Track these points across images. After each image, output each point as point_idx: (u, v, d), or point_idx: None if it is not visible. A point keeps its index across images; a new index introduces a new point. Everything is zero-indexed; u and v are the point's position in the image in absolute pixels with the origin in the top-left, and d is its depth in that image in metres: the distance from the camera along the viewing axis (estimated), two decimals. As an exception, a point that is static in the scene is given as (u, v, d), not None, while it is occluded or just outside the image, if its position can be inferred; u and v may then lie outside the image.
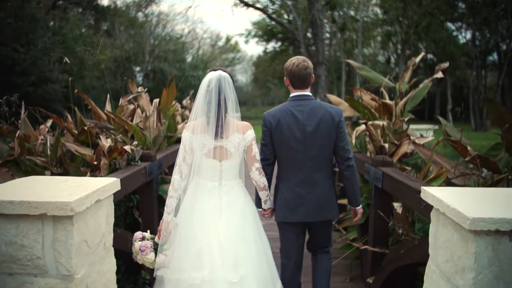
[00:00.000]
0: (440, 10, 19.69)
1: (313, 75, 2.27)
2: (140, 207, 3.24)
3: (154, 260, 2.07)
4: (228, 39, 43.52)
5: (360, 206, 2.38)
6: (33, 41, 19.44)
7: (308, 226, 2.37)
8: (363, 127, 3.34)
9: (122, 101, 4.07)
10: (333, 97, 4.24)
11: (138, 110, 4.00)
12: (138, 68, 32.65)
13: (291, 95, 2.28)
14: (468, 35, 24.15)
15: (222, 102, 2.06)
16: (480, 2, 20.12)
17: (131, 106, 4.03)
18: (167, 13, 32.91)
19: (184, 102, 12.79)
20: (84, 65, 22.81)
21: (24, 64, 18.58)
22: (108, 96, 4.25)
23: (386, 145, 3.24)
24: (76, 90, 3.90)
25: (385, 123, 3.33)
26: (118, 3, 29.29)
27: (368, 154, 3.89)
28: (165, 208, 2.11)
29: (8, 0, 19.06)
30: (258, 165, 2.15)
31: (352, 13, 23.57)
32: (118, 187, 1.92)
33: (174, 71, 32.62)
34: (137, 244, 2.11)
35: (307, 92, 2.26)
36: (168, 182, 3.52)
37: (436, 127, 10.50)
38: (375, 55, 28.99)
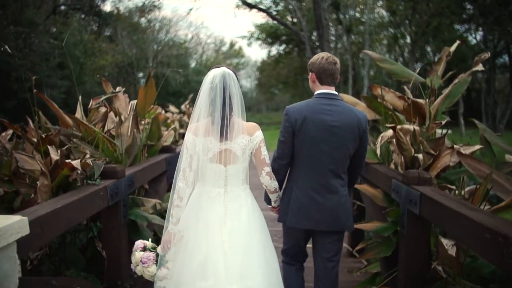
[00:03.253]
0: (450, 10, 18.88)
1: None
2: (104, 237, 2.53)
3: (155, 274, 1.91)
4: (232, 44, 43.16)
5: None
6: (31, 46, 19.04)
7: (317, 237, 2.17)
8: (389, 133, 2.61)
9: (92, 103, 3.38)
10: (346, 97, 3.51)
11: (111, 114, 3.31)
12: (141, 74, 32.39)
13: (317, 92, 2.10)
14: (478, 37, 23.30)
15: (227, 99, 1.88)
16: (492, 2, 19.33)
17: (103, 109, 3.35)
18: (170, 18, 32.55)
19: (182, 107, 12.19)
20: (84, 70, 22.45)
21: (22, 69, 18.17)
22: (80, 98, 3.59)
23: (420, 156, 2.50)
24: (35, 90, 3.23)
25: (417, 127, 2.60)
26: (121, 9, 29.01)
27: (392, 166, 3.15)
28: (170, 218, 1.92)
29: (8, 5, 18.73)
30: (268, 169, 1.98)
31: (357, 15, 22.91)
32: (25, 231, 1.21)
33: (177, 77, 32.18)
34: (138, 254, 1.93)
35: (335, 91, 2.11)
36: (140, 204, 2.81)
37: (449, 131, 9.68)
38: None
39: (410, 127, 2.59)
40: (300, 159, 2.08)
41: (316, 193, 2.05)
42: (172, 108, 11.48)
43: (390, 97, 3.09)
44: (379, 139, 2.61)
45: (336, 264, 2.20)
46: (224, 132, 1.89)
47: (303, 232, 2.17)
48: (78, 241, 2.62)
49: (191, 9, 28.21)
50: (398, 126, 2.50)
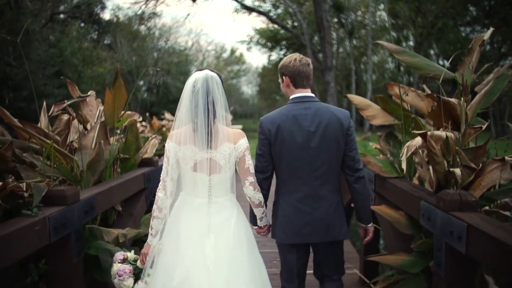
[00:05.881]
0: (455, 10, 18.39)
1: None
2: (51, 280, 1.96)
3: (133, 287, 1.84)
4: (233, 51, 42.98)
5: (371, 223, 2.07)
6: (27, 54, 18.75)
7: (313, 248, 2.05)
8: (417, 141, 2.04)
9: (53, 110, 2.85)
10: (356, 98, 2.96)
11: (75, 123, 2.77)
12: (141, 82, 32.21)
13: (292, 96, 1.98)
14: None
15: (210, 105, 1.78)
16: (498, 2, 18.88)
17: (66, 117, 2.81)
18: (170, 25, 32.41)
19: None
20: (82, 78, 22.15)
21: (17, 78, 17.86)
22: (44, 104, 3.06)
23: (457, 171, 1.92)
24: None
25: (450, 134, 2.03)
26: (120, 16, 28.90)
27: (415, 181, 2.58)
28: (150, 230, 1.86)
29: (4, 13, 18.48)
30: (252, 179, 1.87)
31: (359, 18, 22.49)
32: None
33: (177, 84, 31.86)
34: (115, 267, 1.88)
35: (310, 93, 1.99)
36: (99, 237, 2.24)
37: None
38: (384, 62, 27.83)
39: (442, 133, 2.02)
40: (281, 170, 1.96)
41: (302, 204, 1.93)
42: (167, 115, 11.01)
43: (411, 97, 2.53)
44: (404, 149, 2.04)
45: (338, 280, 2.06)
46: (207, 140, 1.78)
47: (295, 249, 2.00)
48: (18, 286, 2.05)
49: (188, 15, 27.78)
50: (429, 133, 1.93)
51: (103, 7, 26.83)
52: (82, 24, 26.81)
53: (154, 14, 29.08)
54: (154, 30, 32.37)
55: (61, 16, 25.22)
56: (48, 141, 2.17)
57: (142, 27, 31.00)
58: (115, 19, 29.01)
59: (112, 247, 2.25)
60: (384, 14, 23.18)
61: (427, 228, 1.95)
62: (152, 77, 31.08)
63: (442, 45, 19.63)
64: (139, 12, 24.89)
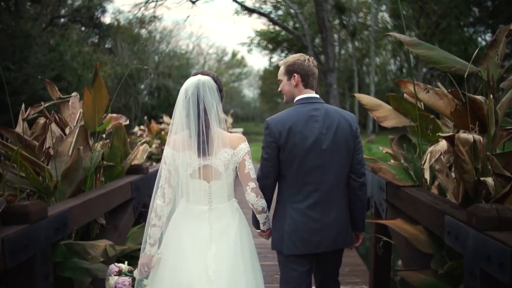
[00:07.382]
0: (459, 10, 18.10)
1: None
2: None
3: None
4: (234, 54, 42.88)
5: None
6: (27, 58, 18.60)
7: (317, 256, 1.93)
8: (441, 146, 1.75)
9: (29, 112, 2.58)
10: (365, 98, 2.67)
11: (53, 127, 2.49)
12: (142, 86, 32.12)
13: (300, 97, 1.90)
14: (487, 38, 22.48)
15: (202, 113, 1.73)
16: (502, 1, 18.62)
17: (42, 120, 2.54)
18: (171, 29, 32.37)
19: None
20: (82, 82, 21.96)
21: (16, 82, 17.68)
22: (23, 106, 2.79)
23: (489, 181, 1.63)
24: None
25: (479, 137, 1.73)
26: (121, 20, 28.84)
27: (434, 190, 2.27)
28: (148, 239, 1.77)
29: (3, 17, 18.37)
30: (253, 184, 1.78)
31: (360, 20, 22.24)
32: None
33: (179, 87, 31.75)
34: (112, 280, 1.83)
35: (317, 95, 1.92)
36: (82, 252, 1.95)
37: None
38: (386, 63, 27.57)
39: (469, 136, 1.73)
40: (290, 175, 1.85)
41: (312, 211, 1.84)
42: (166, 118, 10.75)
43: (428, 95, 2.24)
44: (427, 156, 1.75)
45: (337, 280, 2.05)
46: (202, 148, 1.73)
47: (303, 260, 1.87)
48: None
49: (188, 17, 27.65)
50: (456, 135, 1.64)
51: (104, 11, 26.79)
52: (83, 28, 26.77)
53: (154, 18, 28.99)
54: (155, 33, 32.33)
55: (62, 20, 25.18)
56: (14, 147, 1.89)
57: (143, 31, 30.94)
58: (115, 23, 28.97)
59: (91, 265, 1.96)
60: (386, 15, 22.95)
61: (455, 248, 1.65)
62: (152, 81, 30.98)
63: (445, 45, 19.34)
64: (139, 14, 24.76)
